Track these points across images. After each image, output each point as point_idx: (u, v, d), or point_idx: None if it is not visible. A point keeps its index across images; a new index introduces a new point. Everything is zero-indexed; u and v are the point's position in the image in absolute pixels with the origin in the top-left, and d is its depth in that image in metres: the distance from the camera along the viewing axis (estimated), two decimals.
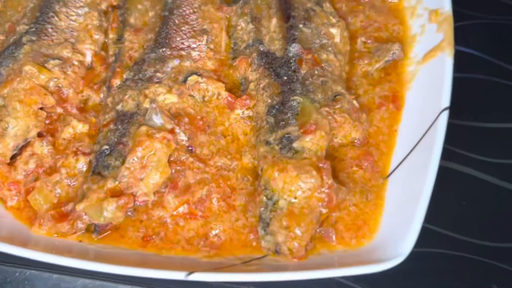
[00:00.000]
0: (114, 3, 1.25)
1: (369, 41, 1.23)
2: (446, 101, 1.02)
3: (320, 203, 0.93)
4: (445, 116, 1.00)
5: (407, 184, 1.00)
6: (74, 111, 1.10)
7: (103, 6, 1.25)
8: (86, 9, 1.22)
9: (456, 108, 1.04)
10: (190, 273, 0.84)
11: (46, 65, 1.09)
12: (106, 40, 1.21)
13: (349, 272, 0.87)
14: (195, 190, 1.00)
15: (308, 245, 0.92)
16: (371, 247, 0.95)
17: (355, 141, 1.07)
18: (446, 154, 0.99)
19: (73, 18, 1.20)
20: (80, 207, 0.93)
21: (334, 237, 0.97)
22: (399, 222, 0.94)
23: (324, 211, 0.94)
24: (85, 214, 0.93)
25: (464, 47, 1.30)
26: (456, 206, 1.13)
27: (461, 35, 1.13)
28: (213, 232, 0.98)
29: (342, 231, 0.98)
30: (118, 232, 0.98)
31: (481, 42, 1.34)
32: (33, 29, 1.15)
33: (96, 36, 1.19)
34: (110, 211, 0.93)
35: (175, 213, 1.00)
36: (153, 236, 0.98)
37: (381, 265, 0.87)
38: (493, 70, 1.31)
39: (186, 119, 1.06)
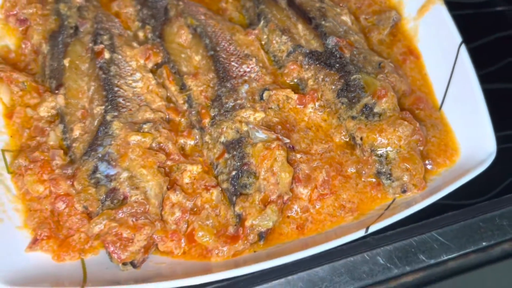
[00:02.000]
0: (159, 61, 1.40)
1: (368, 17, 1.51)
2: (457, 36, 1.33)
3: (417, 144, 1.19)
4: (464, 49, 1.31)
5: (458, 105, 1.29)
6: (182, 159, 1.25)
7: (149, 66, 1.39)
8: (138, 74, 1.36)
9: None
10: (367, 228, 1.05)
11: (142, 130, 1.23)
12: (168, 94, 1.36)
13: (463, 181, 1.14)
14: (316, 176, 1.21)
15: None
16: (462, 160, 1.22)
17: (405, 92, 1.34)
18: None
19: (133, 85, 1.34)
20: (248, 223, 1.10)
21: (433, 166, 1.23)
22: (471, 134, 1.23)
23: (421, 148, 1.20)
24: (255, 227, 1.10)
25: None
26: None
27: None
28: (345, 200, 1.20)
29: (436, 158, 1.25)
30: (275, 233, 1.16)
31: None
32: (109, 106, 1.27)
33: (160, 93, 1.34)
34: (275, 213, 1.11)
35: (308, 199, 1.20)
36: (305, 223, 1.17)
37: (479, 167, 1.15)
38: None
39: (279, 127, 1.26)
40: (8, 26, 1.46)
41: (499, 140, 1.23)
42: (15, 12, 1.45)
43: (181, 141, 1.29)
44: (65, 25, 1.43)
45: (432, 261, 1.27)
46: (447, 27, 1.35)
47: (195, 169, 1.23)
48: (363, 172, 1.22)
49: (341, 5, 1.51)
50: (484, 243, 1.30)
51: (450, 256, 1.28)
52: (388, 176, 1.17)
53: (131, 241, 1.07)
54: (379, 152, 1.18)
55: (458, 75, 1.31)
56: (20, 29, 1.46)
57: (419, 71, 1.40)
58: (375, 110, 1.22)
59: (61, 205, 1.16)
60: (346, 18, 1.43)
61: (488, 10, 1.76)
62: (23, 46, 1.43)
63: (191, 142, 1.29)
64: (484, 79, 1.48)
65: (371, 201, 1.20)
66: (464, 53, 1.30)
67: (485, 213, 1.32)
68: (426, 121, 1.30)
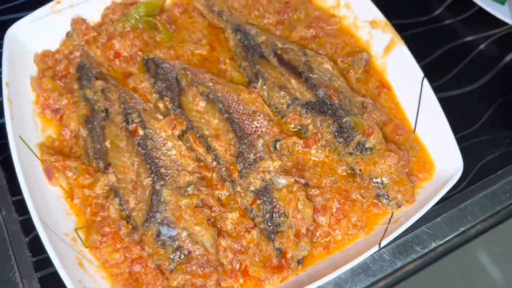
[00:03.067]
0: (183, 128, 1.67)
1: (344, 59, 1.82)
2: (419, 72, 1.67)
3: (403, 168, 1.54)
4: (426, 82, 1.65)
5: (428, 126, 1.64)
6: (222, 209, 1.55)
7: (176, 133, 1.67)
8: (170, 143, 1.63)
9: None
10: (379, 243, 1.40)
11: (187, 193, 1.52)
12: (198, 156, 1.65)
13: (445, 190, 1.49)
14: (330, 205, 1.54)
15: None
16: (439, 172, 1.58)
17: (385, 122, 1.68)
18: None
19: (168, 153, 1.61)
20: (289, 255, 1.43)
21: (416, 181, 1.58)
22: (442, 148, 1.59)
23: (407, 170, 1.55)
24: (294, 257, 1.44)
25: None
26: None
27: None
28: (355, 220, 1.54)
29: (417, 174, 1.60)
30: (308, 256, 1.50)
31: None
32: (155, 177, 1.55)
33: (191, 156, 1.63)
34: (308, 244, 1.44)
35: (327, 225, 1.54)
36: (329, 244, 1.51)
37: (455, 176, 1.51)
38: None
39: (294, 170, 1.58)
40: (46, 117, 1.69)
41: (458, 141, 1.59)
42: (49, 104, 1.69)
43: (217, 193, 1.59)
44: (96, 109, 1.68)
45: (425, 250, 1.65)
46: (410, 64, 1.69)
47: (234, 215, 1.54)
48: (365, 195, 1.56)
49: (320, 52, 1.83)
50: (462, 228, 1.69)
51: (438, 243, 1.65)
52: (386, 197, 1.52)
53: (204, 287, 1.38)
54: (375, 180, 1.53)
55: (424, 103, 1.65)
56: (57, 117, 1.70)
57: (392, 101, 1.74)
58: (367, 145, 1.56)
59: (138, 267, 1.45)
60: (327, 65, 1.75)
61: (437, 25, 2.11)
62: (63, 133, 1.68)
63: (226, 193, 1.59)
64: (441, 88, 1.85)
65: (375, 217, 1.55)
66: (426, 85, 1.65)
67: (460, 203, 1.70)
68: (405, 144, 1.64)
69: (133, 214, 1.52)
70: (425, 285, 1.75)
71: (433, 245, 1.66)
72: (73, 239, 1.49)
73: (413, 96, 1.68)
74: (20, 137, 1.55)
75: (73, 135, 1.68)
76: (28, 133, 1.61)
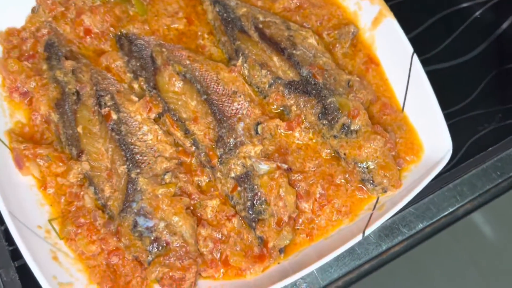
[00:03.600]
0: (160, 111, 1.59)
1: (330, 32, 1.71)
2: (409, 47, 1.57)
3: (390, 151, 1.47)
4: (415, 58, 1.55)
5: (417, 106, 1.56)
6: (201, 196, 1.49)
7: (152, 117, 1.59)
8: (146, 127, 1.55)
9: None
10: (363, 232, 1.35)
11: (164, 181, 1.46)
12: (176, 140, 1.57)
13: (433, 174, 1.43)
14: (314, 190, 1.49)
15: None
16: (428, 154, 1.52)
17: (372, 100, 1.60)
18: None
19: (144, 139, 1.54)
20: (270, 244, 1.39)
21: (403, 164, 1.52)
22: (431, 131, 1.52)
23: (393, 153, 1.48)
24: (276, 246, 1.39)
25: None
26: None
27: None
28: (339, 205, 1.49)
29: (405, 156, 1.53)
30: (290, 244, 1.45)
31: None
32: (130, 165, 1.47)
33: (169, 141, 1.55)
34: (290, 233, 1.39)
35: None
36: (312, 231, 1.46)
37: (444, 159, 1.44)
38: None
39: (276, 154, 1.51)
40: (14, 101, 1.60)
41: (446, 118, 1.51)
42: (17, 86, 1.59)
43: (197, 179, 1.53)
44: (67, 92, 1.59)
45: (412, 232, 1.61)
46: (399, 38, 1.59)
47: (215, 203, 1.48)
48: (350, 180, 1.50)
49: (304, 25, 1.71)
50: (450, 209, 1.64)
51: (425, 225, 1.61)
52: (371, 182, 1.46)
53: (183, 279, 1.34)
54: (360, 165, 1.46)
55: (414, 80, 1.56)
56: (25, 101, 1.61)
57: (381, 78, 1.65)
58: (352, 127, 1.48)
59: (115, 259, 1.40)
60: (312, 40, 1.64)
61: None
62: (33, 118, 1.59)
63: (205, 179, 1.53)
64: (433, 60, 1.75)
65: (360, 202, 1.50)
66: (416, 61, 1.55)
67: (448, 183, 1.64)
68: (392, 125, 1.57)
69: (108, 203, 1.46)
70: (411, 267, 1.73)
71: (420, 226, 1.61)
72: (47, 231, 1.43)
73: (403, 73, 1.59)
74: None
75: (43, 119, 1.59)
76: None
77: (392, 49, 1.62)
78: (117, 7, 1.69)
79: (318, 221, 1.48)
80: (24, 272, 1.50)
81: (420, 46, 1.57)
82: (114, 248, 1.42)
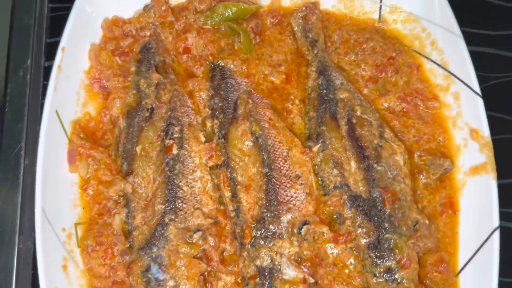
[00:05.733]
0: (219, 163, 1.53)
1: (423, 155, 1.56)
2: (496, 221, 1.40)
3: None
4: (497, 234, 1.39)
5: (475, 277, 1.41)
6: (220, 267, 1.45)
7: (210, 164, 1.53)
8: (199, 173, 1.50)
9: None
10: None
11: (191, 239, 1.42)
12: (222, 197, 1.52)
13: None
14: None
15: None
16: None
17: (431, 249, 1.46)
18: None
19: (192, 184, 1.49)
20: None
21: None
22: None
23: None
24: None
25: None
26: None
27: None
28: None
29: None
30: None
31: None
32: (168, 208, 1.45)
33: (214, 196, 1.50)
34: None
35: None
36: None
37: None
38: None
39: (308, 263, 1.43)
40: (92, 91, 1.59)
41: None
42: (100, 78, 1.58)
43: (223, 245, 1.48)
44: (143, 105, 1.56)
45: None
46: (489, 205, 1.42)
47: (229, 280, 1.44)
48: None
49: (399, 136, 1.57)
50: None
51: None
52: None
53: None
54: None
55: (484, 252, 1.41)
56: (101, 95, 1.60)
57: (452, 228, 1.50)
58: (395, 276, 1.37)
59: None
60: (399, 158, 1.50)
61: None
62: (103, 114, 1.58)
63: (231, 250, 1.48)
64: None
65: None
66: (496, 239, 1.39)
67: None
68: (440, 286, 1.43)
69: (134, 232, 1.46)
70: None
71: None
72: (68, 236, 1.46)
73: (477, 237, 1.43)
74: (56, 111, 1.47)
75: (111, 120, 1.58)
76: (67, 106, 1.53)
77: (478, 209, 1.46)
78: (224, 39, 1.61)
79: None
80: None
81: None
82: (120, 280, 1.42)
